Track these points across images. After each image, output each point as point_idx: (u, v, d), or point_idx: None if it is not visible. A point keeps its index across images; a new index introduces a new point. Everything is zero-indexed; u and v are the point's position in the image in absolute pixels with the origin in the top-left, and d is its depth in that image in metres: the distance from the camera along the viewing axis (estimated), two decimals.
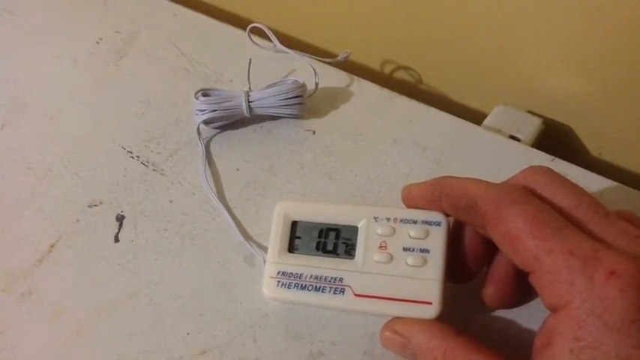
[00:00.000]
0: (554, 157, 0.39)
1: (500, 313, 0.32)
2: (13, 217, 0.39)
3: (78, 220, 0.39)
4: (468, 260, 0.31)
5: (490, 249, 0.30)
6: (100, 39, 0.50)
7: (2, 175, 0.42)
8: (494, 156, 0.40)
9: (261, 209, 0.38)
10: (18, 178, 0.41)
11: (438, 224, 0.30)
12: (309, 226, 0.33)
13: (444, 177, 0.30)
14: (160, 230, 0.38)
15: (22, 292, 0.36)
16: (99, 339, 0.34)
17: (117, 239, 0.38)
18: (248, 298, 0.35)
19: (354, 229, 0.32)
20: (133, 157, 0.42)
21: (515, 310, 0.32)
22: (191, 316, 0.34)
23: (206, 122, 0.41)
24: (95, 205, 0.39)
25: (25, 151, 0.43)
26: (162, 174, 0.41)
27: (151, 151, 0.42)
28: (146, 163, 0.41)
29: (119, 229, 0.38)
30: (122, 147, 0.42)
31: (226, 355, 0.33)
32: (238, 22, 0.52)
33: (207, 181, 0.39)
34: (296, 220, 0.33)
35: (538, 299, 0.26)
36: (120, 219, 0.39)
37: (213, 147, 0.42)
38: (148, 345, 0.33)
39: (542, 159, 0.39)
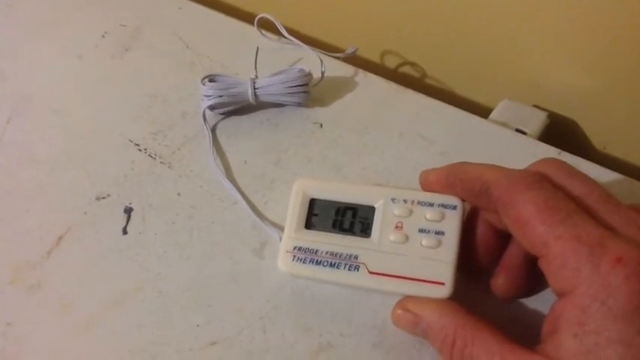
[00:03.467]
0: (560, 151, 0.39)
1: (510, 301, 0.32)
2: (21, 210, 0.39)
3: (86, 213, 0.39)
4: (481, 253, 0.31)
5: (503, 242, 0.31)
6: (106, 32, 0.50)
7: (9, 168, 0.42)
8: (500, 149, 0.40)
9: (269, 202, 0.38)
10: (25, 172, 0.41)
11: (454, 208, 0.31)
12: (327, 204, 0.33)
13: (460, 163, 0.30)
14: (168, 223, 0.38)
15: (31, 284, 0.36)
16: (108, 331, 0.34)
17: (125, 232, 0.38)
18: (257, 290, 0.35)
19: (371, 209, 0.32)
20: (140, 150, 0.42)
21: (524, 299, 0.32)
22: (200, 308, 0.34)
23: (212, 107, 0.42)
24: (103, 198, 0.39)
25: (32, 145, 0.43)
26: (169, 167, 0.41)
27: (159, 144, 0.42)
28: (153, 156, 0.41)
29: (127, 221, 0.38)
30: (129, 140, 0.42)
31: (236, 347, 0.33)
32: (243, 15, 0.52)
33: (217, 166, 0.40)
34: (314, 197, 0.34)
35: (548, 289, 0.26)
36: (128, 211, 0.39)
37: (220, 138, 0.42)
38: (158, 337, 0.33)
39: (549, 152, 0.39)
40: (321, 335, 0.33)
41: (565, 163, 0.28)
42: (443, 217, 0.31)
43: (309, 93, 0.43)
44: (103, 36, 0.50)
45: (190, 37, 0.49)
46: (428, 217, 0.31)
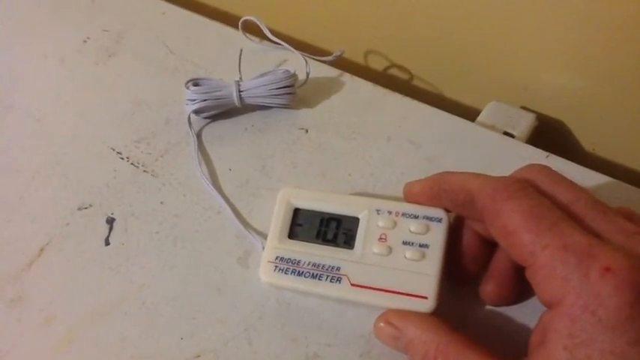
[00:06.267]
0: (548, 154, 0.39)
1: (497, 310, 0.32)
2: (1, 221, 0.39)
3: (68, 224, 0.38)
4: (467, 261, 0.31)
5: (489, 250, 0.30)
6: (88, 38, 0.49)
7: None
8: (488, 152, 0.39)
9: (254, 209, 0.38)
10: (5, 181, 0.41)
11: (439, 220, 0.30)
12: (311, 214, 0.33)
13: (443, 173, 0.30)
14: (151, 232, 0.37)
15: (12, 297, 0.35)
16: (90, 344, 0.33)
17: (107, 242, 0.37)
18: (242, 300, 0.34)
19: (355, 220, 0.32)
20: (122, 159, 0.41)
21: (511, 307, 0.32)
22: (184, 320, 0.34)
23: (197, 112, 0.41)
24: (85, 208, 0.39)
25: (12, 153, 0.42)
26: (152, 175, 0.40)
27: (141, 151, 0.41)
28: (136, 164, 0.41)
29: (109, 232, 0.37)
30: (111, 148, 0.42)
31: (221, 359, 0.32)
32: (227, 19, 0.51)
33: (202, 173, 0.39)
34: (298, 207, 0.33)
35: (535, 297, 0.25)
36: (110, 222, 0.38)
37: (204, 145, 0.41)
38: (141, 350, 0.33)
39: (537, 155, 0.39)
40: (307, 346, 0.32)
41: (550, 168, 0.27)
42: (427, 229, 0.30)
43: (295, 94, 0.42)
44: (85, 41, 0.49)
45: (174, 42, 0.48)
46: (412, 229, 0.30)
